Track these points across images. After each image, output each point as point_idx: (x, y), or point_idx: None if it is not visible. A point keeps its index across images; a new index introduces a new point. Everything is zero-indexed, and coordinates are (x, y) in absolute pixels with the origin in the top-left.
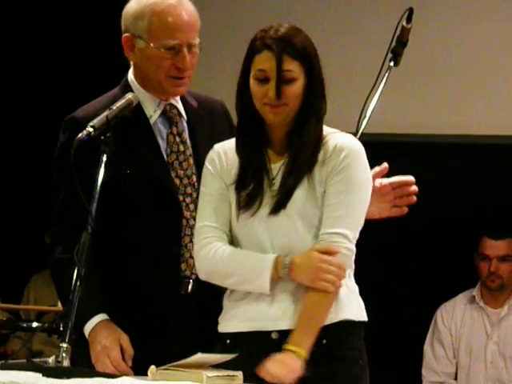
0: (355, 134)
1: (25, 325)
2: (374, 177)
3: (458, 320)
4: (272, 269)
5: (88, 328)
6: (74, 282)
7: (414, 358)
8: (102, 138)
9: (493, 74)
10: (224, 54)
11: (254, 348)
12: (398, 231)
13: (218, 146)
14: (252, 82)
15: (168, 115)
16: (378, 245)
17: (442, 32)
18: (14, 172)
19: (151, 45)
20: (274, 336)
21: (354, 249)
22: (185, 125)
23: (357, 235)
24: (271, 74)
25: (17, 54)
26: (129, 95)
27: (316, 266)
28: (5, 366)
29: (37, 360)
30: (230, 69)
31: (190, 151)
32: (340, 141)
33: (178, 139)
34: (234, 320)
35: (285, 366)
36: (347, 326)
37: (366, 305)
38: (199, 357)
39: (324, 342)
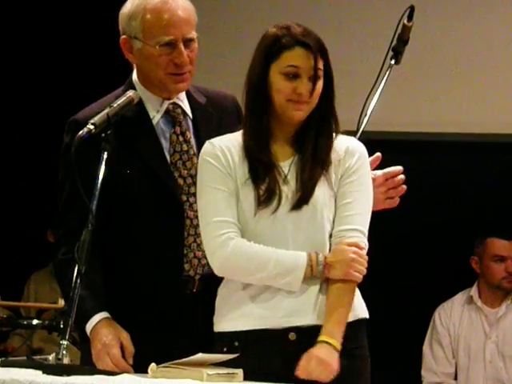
0: (356, 132)
1: (25, 322)
2: (388, 177)
3: (456, 320)
4: (307, 267)
5: (89, 326)
6: (74, 279)
7: (413, 359)
8: (103, 135)
9: (494, 73)
10: (226, 50)
11: (269, 349)
12: (394, 231)
13: (217, 142)
14: (278, 77)
15: (171, 115)
16: (375, 245)
17: (444, 30)
18: (14, 170)
19: (147, 44)
20: (291, 337)
21: None
22: (189, 123)
23: (367, 233)
24: (304, 70)
25: (19, 54)
26: (129, 92)
27: (350, 258)
28: (5, 363)
29: (37, 357)
30: (231, 65)
31: (193, 150)
32: (351, 143)
33: (181, 139)
34: (243, 318)
35: (325, 366)
36: (360, 323)
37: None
38: (200, 356)
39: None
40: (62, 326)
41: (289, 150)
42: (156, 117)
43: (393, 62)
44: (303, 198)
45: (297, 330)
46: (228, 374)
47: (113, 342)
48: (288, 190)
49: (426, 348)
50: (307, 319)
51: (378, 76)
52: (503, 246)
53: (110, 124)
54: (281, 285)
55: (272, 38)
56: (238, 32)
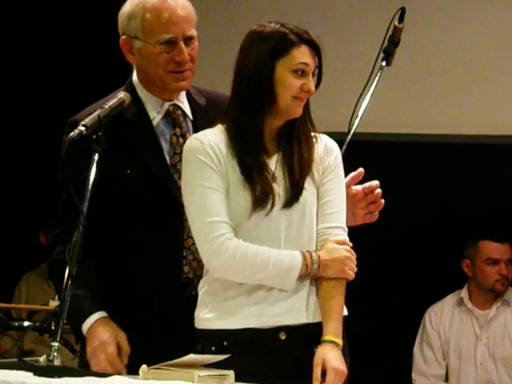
0: (347, 134)
1: (16, 324)
2: (350, 182)
3: (446, 322)
4: (302, 266)
5: (86, 326)
6: (65, 281)
7: (403, 362)
8: (94, 136)
9: (485, 74)
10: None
11: (260, 349)
12: (384, 233)
13: (203, 138)
14: (287, 74)
15: (171, 116)
16: (366, 247)
17: (435, 32)
18: (7, 170)
19: (147, 42)
20: (281, 336)
21: None
22: (189, 125)
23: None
24: (310, 68)
25: (20, 55)
26: (120, 94)
27: (344, 256)
28: None
29: (28, 359)
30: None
31: None
32: (328, 141)
33: (181, 140)
34: (233, 317)
35: (341, 375)
36: (343, 321)
37: (354, 308)
38: (191, 357)
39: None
40: (53, 327)
41: (272, 146)
42: (156, 118)
43: (384, 63)
44: (294, 196)
45: (287, 329)
46: (219, 375)
47: (110, 339)
48: (278, 189)
49: (416, 350)
50: (298, 318)
51: (369, 78)
52: (496, 248)
53: (100, 125)
54: (277, 284)
55: (277, 34)
56: (224, 31)
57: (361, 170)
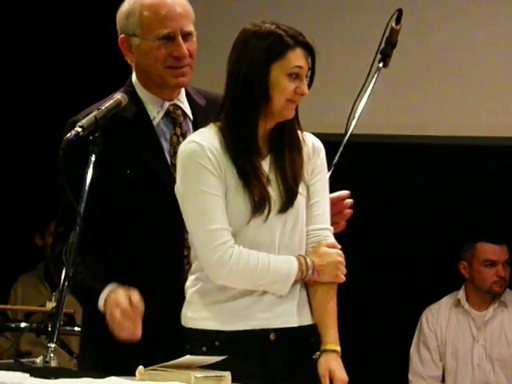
0: (344, 135)
1: (13, 325)
2: (335, 200)
3: (443, 323)
4: (298, 271)
5: (102, 300)
6: (61, 282)
7: (400, 363)
8: (91, 137)
9: (482, 75)
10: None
11: (250, 350)
12: (381, 234)
13: (203, 141)
14: (282, 77)
15: (172, 116)
16: (363, 247)
17: (432, 33)
18: (3, 172)
19: (145, 39)
20: (272, 337)
21: None
22: (189, 125)
23: None
24: (304, 71)
25: (19, 55)
26: (117, 95)
27: (337, 261)
28: None
29: (24, 360)
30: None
31: None
32: (314, 141)
33: (181, 140)
34: (225, 317)
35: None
36: None
37: (350, 308)
38: (187, 358)
39: (312, 340)
40: (50, 328)
41: (265, 148)
42: (156, 118)
43: (381, 65)
44: (289, 201)
45: (278, 331)
46: (216, 376)
47: (122, 296)
48: (273, 193)
49: (413, 351)
50: (288, 321)
51: (366, 79)
52: (493, 250)
53: (97, 127)
54: (274, 290)
55: (273, 36)
56: (219, 31)
57: (347, 192)
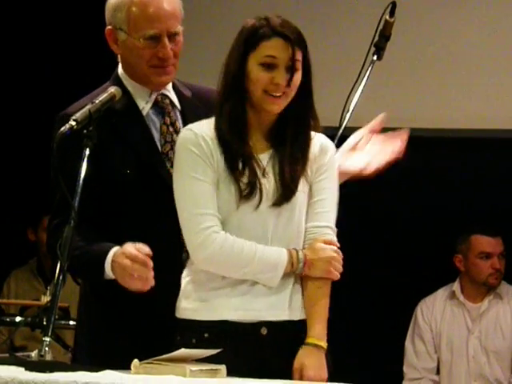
0: (338, 128)
1: (8, 319)
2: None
3: (438, 315)
4: (288, 263)
5: (108, 262)
6: (56, 275)
7: (395, 355)
8: (85, 131)
9: (475, 67)
10: (208, 43)
11: (241, 343)
12: (377, 226)
13: (197, 130)
14: (255, 67)
15: (160, 105)
16: (358, 239)
17: (426, 25)
18: None
19: (131, 36)
20: (263, 331)
21: None
22: (178, 114)
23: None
24: (281, 61)
25: (8, 50)
26: (111, 89)
27: (330, 256)
28: None
29: (20, 354)
30: (213, 58)
31: None
32: (324, 140)
33: (171, 129)
34: (216, 309)
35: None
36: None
37: (346, 302)
38: (182, 351)
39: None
40: (44, 322)
41: (266, 142)
42: (145, 108)
43: (375, 57)
44: (285, 196)
45: (269, 324)
46: (211, 369)
47: (131, 248)
48: (268, 184)
49: (407, 344)
50: (279, 314)
51: (360, 72)
52: (488, 242)
53: (91, 120)
54: (261, 280)
55: (250, 28)
56: (216, 23)
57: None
